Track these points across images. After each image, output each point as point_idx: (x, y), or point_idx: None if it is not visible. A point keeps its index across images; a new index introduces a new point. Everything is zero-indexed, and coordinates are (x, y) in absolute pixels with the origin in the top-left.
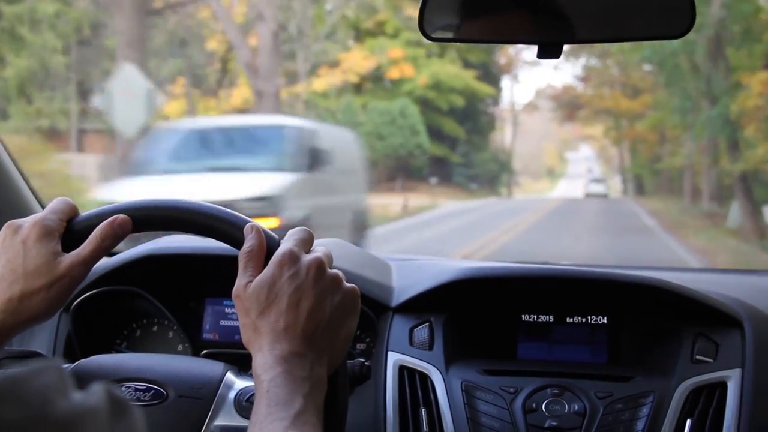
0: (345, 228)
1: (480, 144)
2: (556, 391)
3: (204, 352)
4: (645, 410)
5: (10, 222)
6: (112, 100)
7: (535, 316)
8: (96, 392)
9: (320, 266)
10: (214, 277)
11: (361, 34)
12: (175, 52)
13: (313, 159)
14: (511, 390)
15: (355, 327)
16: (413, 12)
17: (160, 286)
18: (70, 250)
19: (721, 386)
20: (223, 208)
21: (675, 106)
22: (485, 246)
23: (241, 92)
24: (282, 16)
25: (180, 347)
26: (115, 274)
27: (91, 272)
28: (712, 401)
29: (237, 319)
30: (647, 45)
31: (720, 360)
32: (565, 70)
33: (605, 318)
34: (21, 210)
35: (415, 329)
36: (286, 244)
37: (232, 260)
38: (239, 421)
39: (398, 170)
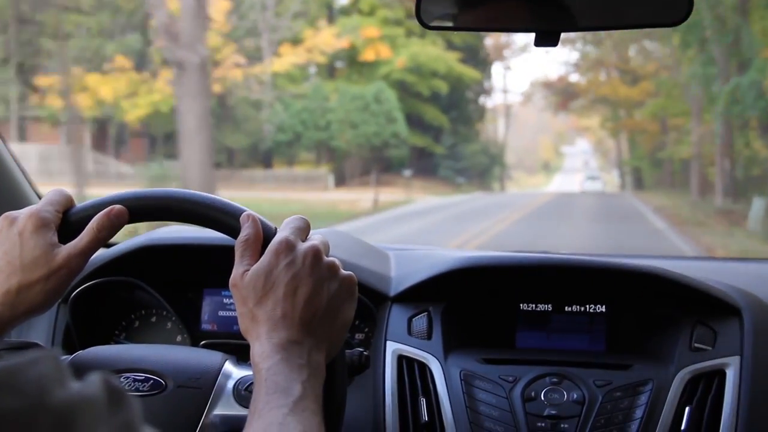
0: None
1: (467, 135)
2: (554, 379)
3: (203, 342)
4: (644, 398)
5: (6, 214)
6: None
7: (534, 305)
8: (93, 381)
9: (317, 254)
10: (212, 267)
11: (334, 13)
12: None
13: None
14: (510, 379)
15: (352, 314)
16: None
17: (158, 277)
18: (67, 242)
19: (720, 374)
20: (219, 197)
21: (695, 73)
22: None
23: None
24: None
25: (179, 338)
26: (113, 265)
27: (89, 263)
28: (711, 389)
29: (235, 310)
30: None
31: (718, 348)
32: (559, 57)
33: (604, 306)
34: (18, 202)
35: (414, 319)
36: (283, 233)
37: (230, 250)
38: (238, 410)
39: (373, 162)
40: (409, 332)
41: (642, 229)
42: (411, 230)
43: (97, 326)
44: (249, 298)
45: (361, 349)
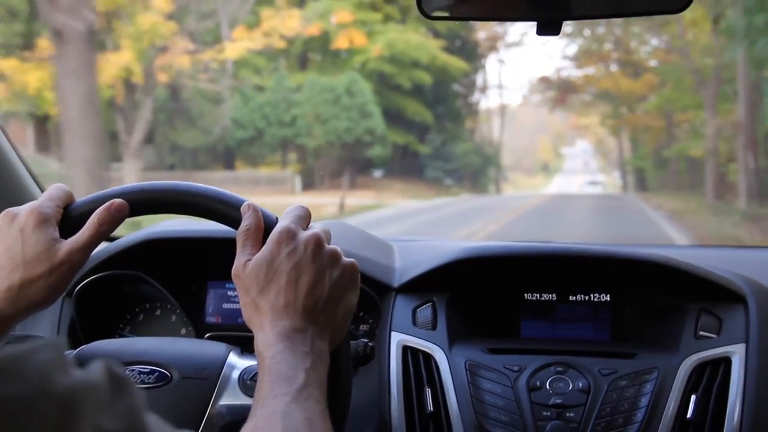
0: None
1: (456, 133)
2: (560, 368)
3: (207, 335)
4: (649, 386)
5: (6, 210)
6: None
7: (538, 295)
8: (96, 368)
9: (318, 242)
10: (216, 260)
11: None
12: None
13: None
14: (515, 368)
15: (355, 301)
16: None
17: (162, 270)
18: (68, 237)
19: (725, 362)
20: (219, 189)
21: (731, 28)
22: None
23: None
24: None
25: (183, 331)
26: (118, 258)
27: (93, 257)
28: (717, 377)
29: (239, 302)
30: None
31: (724, 335)
32: (556, 51)
33: (608, 295)
34: (22, 196)
35: (418, 309)
36: (284, 222)
37: (234, 243)
38: (244, 400)
39: (348, 162)
40: (414, 323)
41: (655, 235)
42: (386, 234)
43: (101, 320)
44: (251, 288)
45: (365, 341)
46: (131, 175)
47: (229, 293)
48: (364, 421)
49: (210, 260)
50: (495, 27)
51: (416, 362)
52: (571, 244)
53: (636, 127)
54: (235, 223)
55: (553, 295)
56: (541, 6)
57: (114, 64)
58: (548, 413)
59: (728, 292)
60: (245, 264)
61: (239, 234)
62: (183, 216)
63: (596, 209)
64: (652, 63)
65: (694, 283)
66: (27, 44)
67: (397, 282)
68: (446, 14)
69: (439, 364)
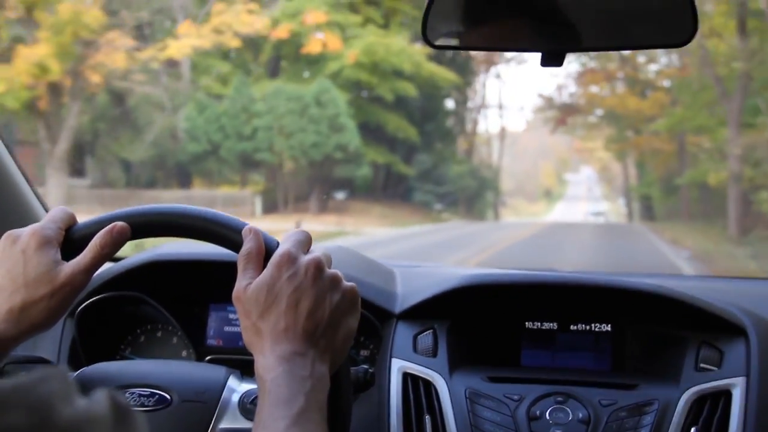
0: None
1: (446, 153)
2: (560, 398)
3: (208, 358)
4: (649, 418)
5: (9, 232)
6: None
7: (539, 324)
8: (99, 399)
9: (318, 266)
10: (218, 283)
11: None
12: None
13: None
14: (515, 397)
15: (355, 325)
16: None
17: (164, 292)
18: (70, 259)
19: (726, 394)
20: (220, 212)
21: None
22: None
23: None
24: None
25: (184, 353)
26: (120, 279)
27: (95, 278)
28: (717, 409)
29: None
30: None
31: (724, 368)
32: (557, 70)
33: (609, 325)
34: (26, 216)
35: (419, 336)
36: (284, 246)
37: (236, 266)
38: (244, 424)
39: (315, 181)
40: (415, 350)
41: None
42: None
43: (103, 340)
44: (252, 312)
45: (366, 367)
46: (56, 191)
47: (231, 316)
48: None
49: (212, 283)
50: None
51: (416, 389)
52: (572, 273)
53: (643, 151)
54: (236, 246)
55: (554, 324)
56: (546, 37)
57: (25, 59)
58: None
59: (729, 324)
60: (246, 287)
61: (240, 257)
62: (185, 239)
63: (599, 244)
64: (664, 83)
65: (695, 315)
66: None
67: (398, 308)
68: (452, 43)
69: (439, 391)
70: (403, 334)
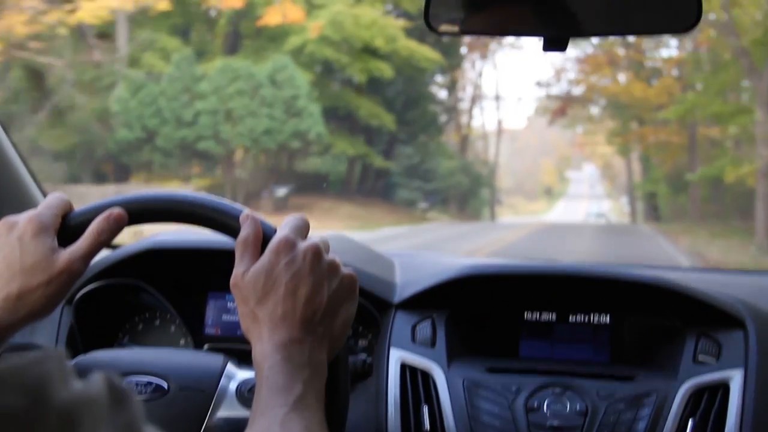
0: None
1: (431, 146)
2: (558, 390)
3: (206, 346)
4: (647, 410)
5: (4, 219)
6: None
7: (538, 314)
8: (96, 381)
9: (317, 252)
10: (216, 271)
11: None
12: None
13: None
14: (513, 388)
15: (353, 312)
16: None
17: (162, 280)
18: (67, 246)
19: (724, 387)
20: (218, 198)
21: None
22: None
23: None
24: None
25: (182, 341)
26: (118, 267)
27: (93, 265)
28: (715, 401)
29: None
30: None
31: (723, 360)
32: (556, 57)
33: (608, 317)
34: (24, 202)
35: (418, 326)
36: (282, 232)
37: (234, 254)
38: (241, 412)
39: (274, 175)
40: (413, 339)
41: None
42: None
43: (100, 328)
44: (250, 298)
45: (364, 356)
46: None
47: (229, 305)
48: None
49: (211, 271)
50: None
51: (414, 379)
52: (572, 264)
53: (649, 144)
54: (233, 232)
55: (553, 315)
56: (549, 22)
57: None
58: None
59: (728, 316)
60: (243, 273)
61: (238, 243)
62: (184, 225)
63: (601, 251)
64: (674, 71)
65: (694, 307)
66: None
67: (397, 298)
68: (454, 29)
69: (437, 381)
70: (401, 323)
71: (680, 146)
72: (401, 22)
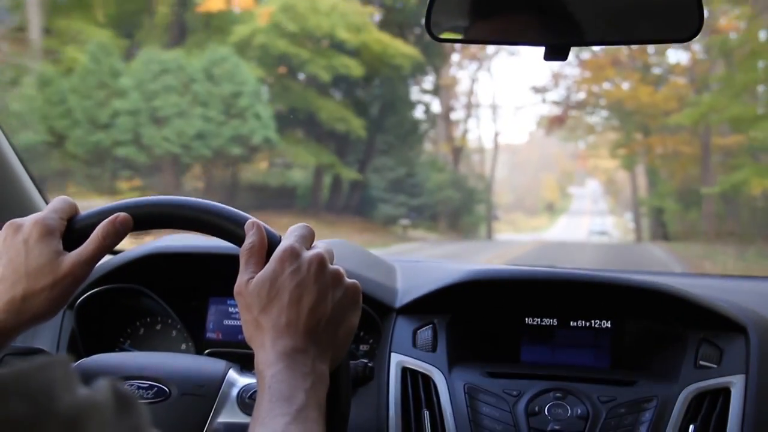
0: None
1: (414, 157)
2: (559, 394)
3: (207, 351)
4: (648, 415)
5: (10, 221)
6: None
7: (539, 320)
8: (101, 387)
9: (321, 262)
10: (218, 276)
11: None
12: None
13: None
14: (514, 393)
15: (356, 322)
16: None
17: (164, 285)
18: (72, 249)
19: (725, 392)
20: (224, 205)
21: None
22: None
23: None
24: None
25: (183, 346)
26: (120, 271)
27: (95, 270)
28: (716, 407)
29: (240, 319)
30: None
31: (724, 366)
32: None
33: (609, 322)
34: (26, 207)
35: (419, 331)
36: (287, 241)
37: (236, 259)
38: (242, 418)
39: (234, 186)
40: (414, 344)
41: None
42: None
43: (102, 333)
44: (253, 306)
45: (365, 361)
46: None
47: (230, 309)
48: None
49: (212, 276)
50: None
51: (415, 384)
52: (573, 269)
53: (656, 156)
54: (238, 240)
55: (554, 320)
56: (550, 31)
57: None
58: None
59: (729, 322)
60: (248, 282)
61: (243, 251)
62: (187, 231)
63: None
64: (678, 80)
65: (695, 313)
66: None
67: (398, 303)
68: (455, 37)
69: (438, 386)
70: (402, 328)
71: (691, 157)
72: (369, 9)
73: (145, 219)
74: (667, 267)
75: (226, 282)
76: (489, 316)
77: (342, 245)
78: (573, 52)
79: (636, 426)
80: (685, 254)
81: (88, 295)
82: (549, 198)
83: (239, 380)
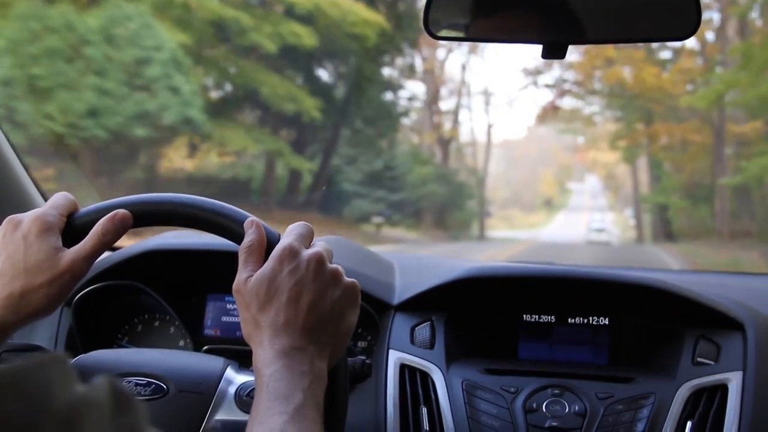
0: None
1: (382, 146)
2: (556, 391)
3: (205, 348)
4: (645, 411)
5: (10, 217)
6: None
7: (537, 316)
8: (99, 385)
9: (320, 261)
10: (216, 272)
11: None
12: None
13: None
14: (512, 390)
15: (355, 321)
16: None
17: (162, 282)
18: (71, 246)
19: (722, 388)
20: (223, 203)
21: None
22: None
23: None
24: None
25: (181, 343)
26: (118, 268)
27: (93, 266)
28: (713, 403)
29: (238, 315)
30: None
31: (721, 362)
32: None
33: (607, 319)
34: (24, 204)
35: (417, 328)
36: (286, 239)
37: (234, 256)
38: (240, 416)
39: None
40: (412, 341)
41: None
42: None
43: (100, 329)
44: (252, 304)
45: (363, 358)
46: None
47: (228, 306)
48: None
49: (210, 273)
50: None
51: (413, 381)
52: (571, 266)
53: (660, 147)
54: (238, 238)
55: (552, 317)
56: (548, 29)
57: None
58: None
59: (727, 318)
60: (246, 280)
61: (242, 249)
62: (185, 228)
63: None
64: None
65: (693, 309)
66: None
67: (396, 300)
68: (453, 35)
69: (436, 383)
70: (400, 325)
71: (702, 147)
72: None
73: (144, 216)
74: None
75: (225, 279)
76: (487, 313)
77: (340, 243)
78: None
79: (633, 422)
80: (699, 259)
81: (86, 292)
82: (547, 194)
83: (237, 378)
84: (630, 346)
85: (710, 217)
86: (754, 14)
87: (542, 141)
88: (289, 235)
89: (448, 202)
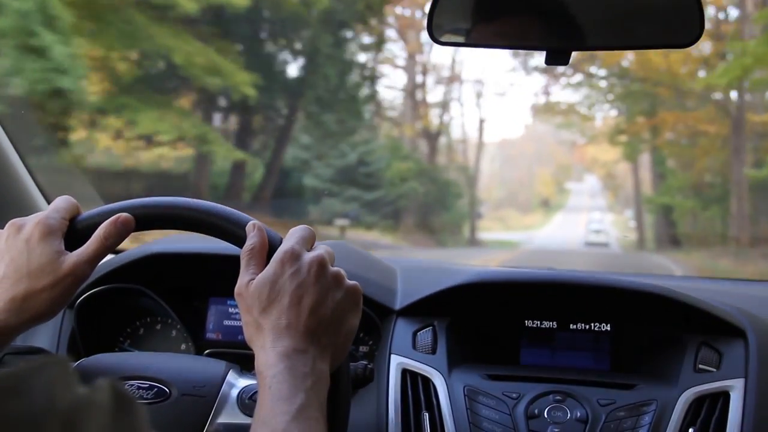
0: None
1: (353, 137)
2: (558, 397)
3: (207, 351)
4: (647, 418)
5: (12, 221)
6: None
7: (539, 322)
8: (101, 387)
9: (322, 264)
10: (218, 276)
11: None
12: None
13: None
14: (514, 395)
15: (357, 324)
16: None
17: (164, 285)
18: (74, 249)
19: (724, 395)
20: (225, 206)
21: None
22: None
23: None
24: None
25: (183, 346)
26: (120, 271)
27: (95, 270)
28: (715, 410)
29: (240, 319)
30: None
31: (723, 369)
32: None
33: (609, 325)
34: (27, 207)
35: (419, 333)
36: (288, 242)
37: (236, 259)
38: (242, 419)
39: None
40: (414, 346)
41: None
42: None
43: (102, 333)
44: (254, 307)
45: (365, 362)
46: None
47: (230, 310)
48: None
49: (212, 276)
50: None
51: (415, 386)
52: (573, 272)
53: (666, 140)
54: (239, 241)
55: (554, 322)
56: (552, 36)
57: None
58: None
59: (729, 326)
60: (248, 283)
61: (244, 253)
62: (187, 232)
63: None
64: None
65: (695, 316)
66: None
67: (398, 305)
68: (457, 40)
69: (437, 388)
70: (402, 330)
71: (716, 139)
72: None
73: (147, 219)
74: None
75: (227, 282)
76: (489, 319)
77: (342, 247)
78: None
79: (635, 429)
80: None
81: (88, 295)
82: (544, 193)
83: (239, 381)
84: (632, 352)
85: (720, 219)
86: None
87: (540, 139)
88: (290, 238)
89: (433, 202)
